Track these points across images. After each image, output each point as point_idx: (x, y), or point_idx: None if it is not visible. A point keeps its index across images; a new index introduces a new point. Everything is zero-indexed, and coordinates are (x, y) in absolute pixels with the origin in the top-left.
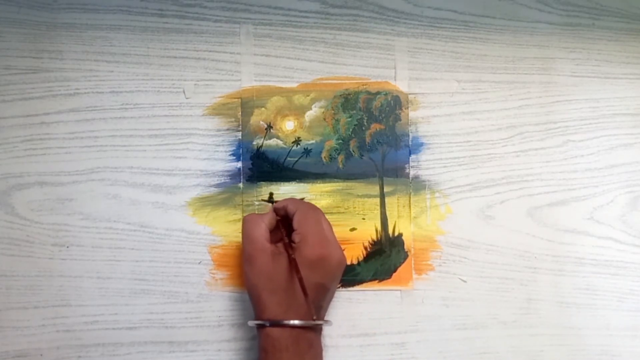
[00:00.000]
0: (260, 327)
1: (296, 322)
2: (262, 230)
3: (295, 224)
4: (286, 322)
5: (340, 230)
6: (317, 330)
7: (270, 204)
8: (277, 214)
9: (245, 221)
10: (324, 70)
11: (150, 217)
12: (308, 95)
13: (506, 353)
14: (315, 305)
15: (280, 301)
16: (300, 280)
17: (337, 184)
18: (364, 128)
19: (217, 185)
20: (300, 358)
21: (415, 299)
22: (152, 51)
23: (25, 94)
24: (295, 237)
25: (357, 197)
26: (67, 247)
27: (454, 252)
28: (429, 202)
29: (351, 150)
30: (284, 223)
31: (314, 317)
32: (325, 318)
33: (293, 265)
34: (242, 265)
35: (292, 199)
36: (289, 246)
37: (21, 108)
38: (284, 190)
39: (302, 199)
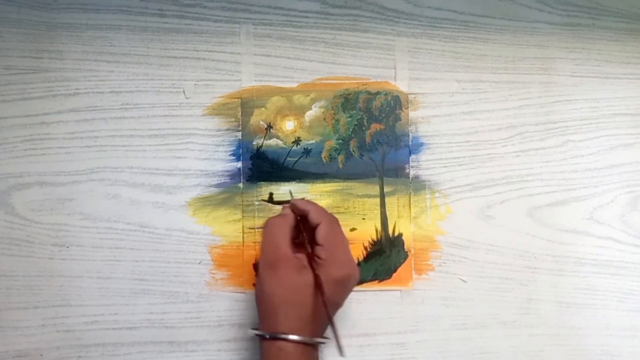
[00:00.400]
0: (268, 338)
1: (295, 337)
2: (287, 238)
3: (321, 239)
4: (284, 336)
5: None
6: (318, 347)
7: (273, 204)
8: (295, 213)
9: (270, 224)
10: (324, 70)
11: (150, 217)
12: (308, 95)
13: (506, 353)
14: (324, 322)
15: (301, 315)
16: (324, 298)
17: (337, 184)
18: (364, 128)
19: (217, 185)
20: None
21: (415, 299)
22: (152, 51)
23: (25, 94)
24: (321, 252)
25: (357, 197)
26: (67, 247)
27: (454, 252)
28: (429, 202)
29: (351, 150)
30: (303, 227)
31: (342, 351)
32: None
33: (318, 284)
34: (258, 270)
35: (313, 205)
36: (313, 260)
37: (21, 108)
38: (284, 190)
39: (302, 199)
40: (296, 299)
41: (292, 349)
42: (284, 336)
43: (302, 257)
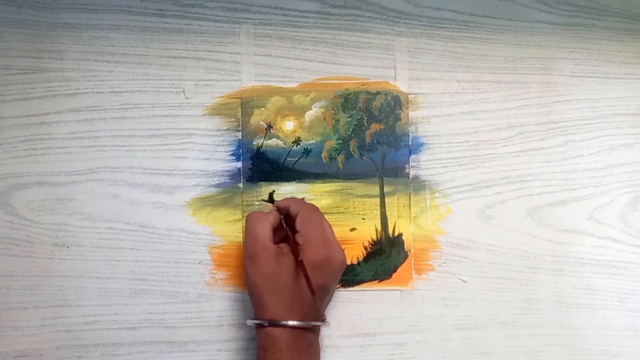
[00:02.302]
0: (259, 326)
1: (295, 322)
2: (266, 229)
3: (298, 226)
4: (284, 322)
5: (340, 230)
6: (315, 330)
7: (270, 204)
8: (279, 213)
9: (249, 219)
10: (324, 70)
11: (150, 217)
12: (308, 95)
13: (506, 353)
14: (313, 307)
15: (283, 301)
16: (308, 280)
17: (337, 184)
18: (364, 128)
19: (217, 185)
20: (300, 358)
21: (415, 299)
22: (152, 51)
23: (25, 94)
24: (299, 238)
25: (357, 197)
26: (67, 247)
27: (454, 252)
28: (429, 202)
29: (351, 150)
30: (287, 222)
31: (324, 318)
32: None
33: (300, 266)
34: (243, 263)
35: (294, 199)
36: (296, 246)
37: (21, 108)
38: (284, 190)
39: (302, 199)
40: (275, 285)
41: (278, 334)
42: (260, 322)
43: (283, 246)
